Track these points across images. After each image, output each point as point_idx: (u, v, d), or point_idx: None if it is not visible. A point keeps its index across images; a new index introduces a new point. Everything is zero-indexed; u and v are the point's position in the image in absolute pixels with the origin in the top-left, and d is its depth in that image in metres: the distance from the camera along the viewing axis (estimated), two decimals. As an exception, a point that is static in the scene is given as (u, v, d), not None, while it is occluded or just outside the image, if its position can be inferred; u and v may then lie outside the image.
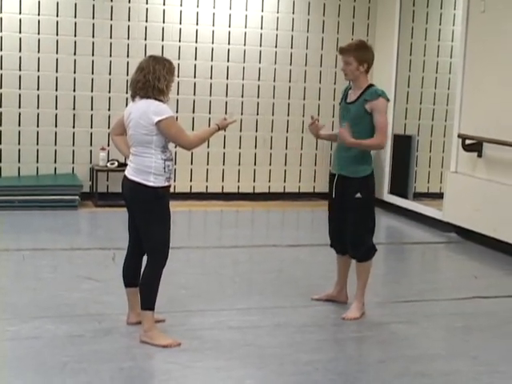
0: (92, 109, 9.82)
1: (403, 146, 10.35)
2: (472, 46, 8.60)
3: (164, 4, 9.90)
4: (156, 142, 4.80)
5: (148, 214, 4.86)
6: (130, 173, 4.89)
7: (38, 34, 9.49)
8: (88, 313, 5.41)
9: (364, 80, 5.55)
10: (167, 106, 4.85)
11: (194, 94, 10.13)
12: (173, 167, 4.93)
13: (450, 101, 10.31)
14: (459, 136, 8.64)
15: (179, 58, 9.92)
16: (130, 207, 5.00)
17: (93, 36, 9.72)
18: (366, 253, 5.66)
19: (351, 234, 5.61)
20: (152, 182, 4.79)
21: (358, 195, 5.52)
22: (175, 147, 5.61)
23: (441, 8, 10.83)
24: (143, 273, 4.95)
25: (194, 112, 10.11)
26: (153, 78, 4.77)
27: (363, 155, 5.57)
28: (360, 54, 5.46)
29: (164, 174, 4.83)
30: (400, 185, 10.24)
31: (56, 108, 9.69)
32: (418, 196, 10.36)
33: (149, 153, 4.80)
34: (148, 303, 4.90)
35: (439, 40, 10.80)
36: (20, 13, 9.39)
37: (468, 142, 8.49)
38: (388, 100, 5.55)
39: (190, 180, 10.24)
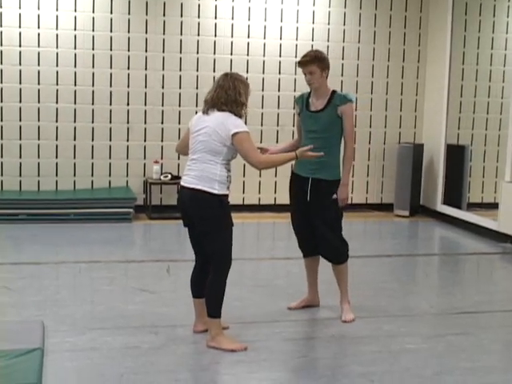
0: (145, 122, 9.95)
1: (456, 155, 10.28)
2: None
3: (216, 18, 10.00)
4: (225, 153, 4.94)
5: (211, 222, 4.92)
6: (189, 181, 4.96)
7: (93, 49, 9.67)
8: (144, 324, 5.47)
9: (327, 87, 5.68)
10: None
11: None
12: (231, 178, 5.04)
13: (503, 110, 10.20)
14: (514, 145, 8.55)
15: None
16: (190, 217, 5.02)
17: (146, 50, 9.85)
18: (342, 254, 5.75)
19: (327, 237, 5.67)
20: (217, 189, 4.89)
21: (335, 196, 5.61)
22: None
23: (494, 16, 10.73)
24: (208, 281, 5.01)
25: (245, 124, 10.11)
26: (234, 94, 4.98)
27: (335, 159, 5.67)
28: (321, 62, 5.61)
29: (226, 183, 4.96)
30: (454, 195, 10.15)
31: (110, 122, 9.85)
32: (472, 206, 10.25)
33: (215, 161, 4.92)
34: (215, 311, 4.99)
35: (492, 48, 10.67)
36: (75, 29, 9.58)
37: (523, 151, 8.40)
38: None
39: (243, 192, 10.29)
